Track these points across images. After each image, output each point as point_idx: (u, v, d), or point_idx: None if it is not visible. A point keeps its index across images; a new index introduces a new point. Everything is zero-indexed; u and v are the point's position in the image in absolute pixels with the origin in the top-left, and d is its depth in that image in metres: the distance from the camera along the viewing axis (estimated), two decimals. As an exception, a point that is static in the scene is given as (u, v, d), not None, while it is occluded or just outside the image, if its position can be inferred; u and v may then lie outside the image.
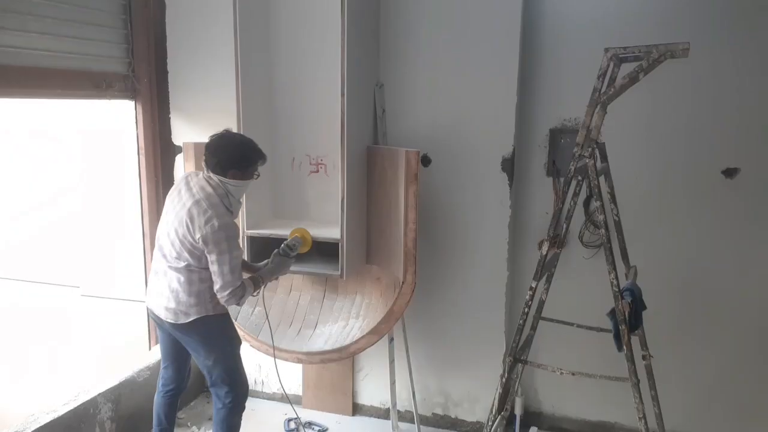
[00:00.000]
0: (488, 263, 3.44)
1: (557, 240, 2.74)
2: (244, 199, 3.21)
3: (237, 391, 2.93)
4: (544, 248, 2.51)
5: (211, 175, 2.71)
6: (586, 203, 3.31)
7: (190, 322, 2.76)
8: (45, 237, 4.34)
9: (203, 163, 2.75)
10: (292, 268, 3.14)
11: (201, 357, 2.89)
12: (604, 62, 2.42)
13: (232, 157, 2.70)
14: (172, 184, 3.88)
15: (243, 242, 3.32)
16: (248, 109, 3.26)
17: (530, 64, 3.36)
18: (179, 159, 3.86)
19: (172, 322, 2.78)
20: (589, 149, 2.33)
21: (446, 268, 3.54)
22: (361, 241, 3.40)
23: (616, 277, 2.34)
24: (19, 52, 2.93)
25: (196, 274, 2.71)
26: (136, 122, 3.72)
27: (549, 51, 3.34)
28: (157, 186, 3.82)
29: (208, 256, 2.64)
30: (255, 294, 2.85)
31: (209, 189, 2.68)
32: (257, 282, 2.84)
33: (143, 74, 3.68)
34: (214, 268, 2.64)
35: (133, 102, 3.69)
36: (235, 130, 3.00)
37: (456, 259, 3.51)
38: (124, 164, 3.80)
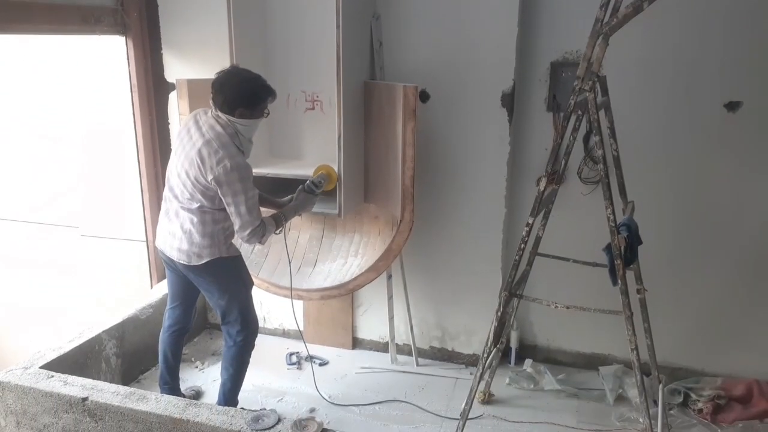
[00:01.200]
0: (486, 200, 3.44)
1: (555, 176, 2.73)
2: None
3: (248, 329, 2.98)
4: (542, 184, 2.50)
5: (219, 113, 2.64)
6: (586, 138, 3.27)
7: (203, 263, 2.76)
8: (41, 176, 4.31)
9: (210, 101, 2.68)
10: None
11: (215, 297, 2.92)
12: (607, -9, 2.33)
13: (240, 95, 2.61)
14: (167, 121, 3.87)
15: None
16: (241, 44, 3.18)
17: (531, -7, 3.25)
18: (173, 96, 3.79)
19: (185, 263, 2.78)
20: (590, 82, 2.27)
21: (444, 205, 3.54)
22: (359, 179, 3.39)
23: (613, 212, 2.34)
24: (2, -16, 2.82)
25: (209, 215, 2.70)
26: (128, 59, 3.63)
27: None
28: (151, 124, 3.77)
29: (222, 197, 2.61)
30: (277, 232, 2.84)
31: (218, 128, 2.62)
32: (279, 219, 2.82)
33: (132, 8, 3.55)
34: (231, 209, 2.62)
35: (123, 38, 3.59)
36: (230, 65, 2.91)
37: (454, 196, 3.50)
38: (118, 101, 3.73)
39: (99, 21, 3.36)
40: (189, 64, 3.70)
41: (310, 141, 3.55)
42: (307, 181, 3.02)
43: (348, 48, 3.00)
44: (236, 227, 2.67)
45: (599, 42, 2.34)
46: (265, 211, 2.89)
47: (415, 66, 3.36)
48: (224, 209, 2.67)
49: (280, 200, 3.08)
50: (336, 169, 3.14)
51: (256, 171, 3.27)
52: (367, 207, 3.52)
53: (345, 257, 3.56)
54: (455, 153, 3.43)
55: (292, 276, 3.25)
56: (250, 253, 3.60)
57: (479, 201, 3.46)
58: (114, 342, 3.40)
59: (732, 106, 3.07)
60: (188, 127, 2.71)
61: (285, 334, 4.13)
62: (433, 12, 3.25)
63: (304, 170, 3.27)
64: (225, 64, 3.06)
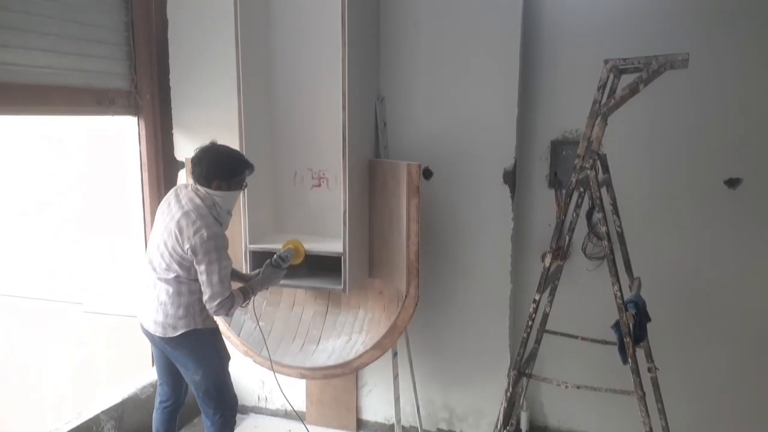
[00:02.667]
0: (491, 275, 3.42)
1: (560, 252, 2.73)
2: (244, 211, 3.23)
3: (225, 406, 2.90)
4: (547, 261, 2.50)
5: (198, 186, 2.72)
6: (589, 215, 3.29)
7: (178, 335, 2.74)
8: (45, 252, 4.33)
9: (189, 175, 2.76)
10: (297, 282, 3.13)
11: (189, 372, 2.86)
12: (604, 74, 2.43)
13: (215, 168, 2.70)
14: (175, 199, 3.92)
15: (245, 257, 3.32)
16: (250, 124, 3.27)
17: (530, 75, 3.37)
18: (182, 174, 3.87)
19: (160, 335, 2.76)
20: (590, 161, 2.32)
21: (449, 280, 3.52)
22: (364, 254, 3.39)
23: (620, 289, 2.32)
24: (22, 69, 2.95)
25: (185, 285, 2.70)
26: (139, 138, 3.74)
27: (549, 63, 3.35)
28: (159, 200, 3.81)
29: (197, 266, 2.63)
30: (244, 305, 2.83)
31: (197, 200, 2.68)
32: (247, 292, 2.83)
33: (146, 90, 3.70)
34: (203, 278, 2.63)
35: (136, 118, 3.71)
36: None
37: (459, 271, 3.49)
38: (126, 179, 3.81)
39: (113, 102, 3.49)
40: (198, 144, 3.77)
41: (316, 217, 3.58)
42: (275, 256, 3.04)
43: (353, 128, 3.09)
44: (205, 297, 2.66)
45: (598, 122, 2.42)
46: (233, 284, 2.89)
47: (419, 145, 3.44)
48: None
49: (248, 274, 3.12)
50: (341, 244, 3.15)
51: (261, 246, 3.32)
52: (371, 282, 3.50)
53: (349, 334, 3.51)
54: (460, 229, 3.45)
55: (276, 350, 3.24)
56: (253, 329, 3.55)
57: (485, 277, 3.44)
58: (113, 423, 3.31)
59: (732, 183, 3.12)
60: (169, 201, 2.78)
61: (287, 415, 4.01)
62: (435, 94, 3.37)
63: (309, 245, 3.28)
64: (234, 144, 3.17)
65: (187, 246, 2.60)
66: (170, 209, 2.73)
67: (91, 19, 3.33)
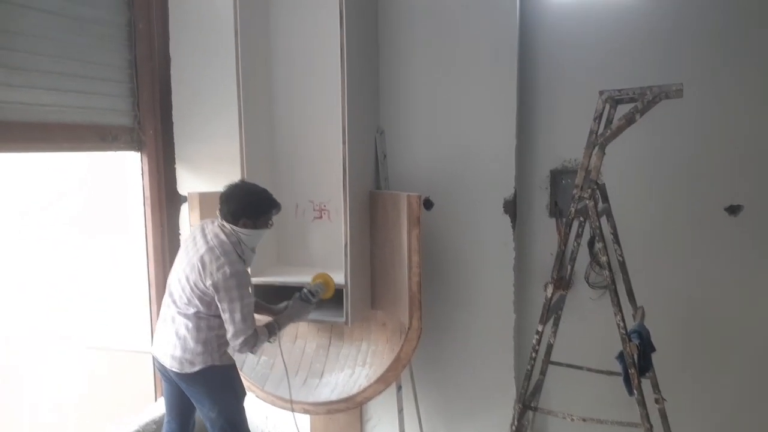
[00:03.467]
0: (495, 306, 3.40)
1: (562, 282, 2.72)
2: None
3: None
4: (549, 291, 2.48)
5: (224, 223, 2.73)
6: (590, 244, 3.28)
7: (195, 372, 2.72)
8: (47, 289, 4.33)
9: (217, 212, 2.77)
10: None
11: (205, 408, 2.83)
12: (599, 104, 2.45)
13: (243, 207, 2.72)
14: (177, 233, 3.94)
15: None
16: (251, 157, 3.30)
17: (528, 106, 3.40)
18: (184, 208, 3.88)
19: (177, 371, 2.74)
20: (589, 190, 2.32)
21: (452, 311, 3.50)
22: (366, 286, 3.38)
23: (623, 319, 2.30)
24: (26, 107, 2.99)
25: (204, 321, 2.69)
26: (142, 173, 3.77)
27: (546, 93, 3.38)
28: (162, 235, 3.84)
29: (219, 303, 2.63)
30: (271, 340, 2.81)
31: (222, 236, 2.70)
32: (272, 328, 2.81)
33: (149, 126, 3.74)
34: (225, 315, 2.62)
35: (139, 153, 3.75)
36: (239, 179, 3.02)
37: (462, 302, 3.47)
38: (128, 213, 3.83)
39: (116, 139, 3.53)
40: (201, 178, 3.83)
41: (318, 249, 3.59)
42: (304, 289, 3.02)
43: (353, 161, 3.11)
44: (229, 335, 2.65)
45: (596, 152, 2.43)
46: (259, 318, 2.88)
47: (419, 176, 3.46)
48: (220, 316, 2.68)
49: (276, 307, 3.08)
50: (343, 276, 3.15)
51: (264, 279, 3.31)
52: (374, 314, 3.48)
53: (353, 367, 3.47)
54: (462, 259, 3.44)
55: (279, 385, 3.19)
56: (256, 364, 3.52)
57: (488, 307, 3.42)
58: (113, 462, 3.26)
59: (733, 210, 3.11)
60: (194, 236, 2.78)
61: (291, 450, 3.95)
62: (435, 125, 3.40)
63: (310, 278, 3.27)
64: (236, 177, 3.18)
65: (209, 282, 2.60)
66: (195, 244, 2.74)
67: (95, 58, 3.39)
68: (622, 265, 2.71)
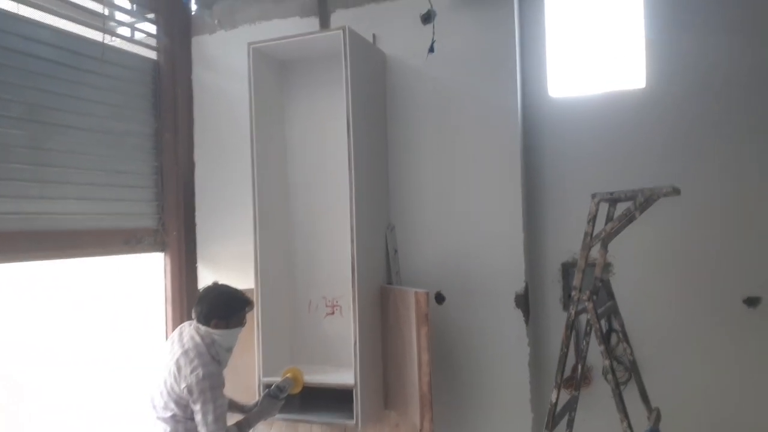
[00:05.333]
0: (510, 405, 3.30)
1: (573, 382, 2.65)
2: (258, 342, 3.27)
3: None
4: (553, 396, 2.42)
5: (199, 325, 2.80)
6: (606, 338, 3.20)
7: None
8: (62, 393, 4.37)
9: (192, 314, 2.85)
10: (306, 417, 3.09)
11: None
12: (593, 207, 2.47)
13: (213, 307, 2.78)
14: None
15: (259, 389, 3.32)
16: (265, 254, 3.40)
17: (536, 200, 3.44)
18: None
19: None
20: (587, 292, 2.31)
21: (466, 411, 3.41)
22: (378, 385, 3.35)
23: (629, 426, 2.21)
24: (57, 217, 3.21)
25: (181, 424, 2.71)
26: (165, 273, 3.92)
27: (553, 187, 3.42)
28: (183, 333, 3.92)
29: (192, 405, 2.65)
30: None
31: (197, 338, 2.76)
32: (243, 428, 2.81)
33: (172, 227, 3.92)
34: (198, 417, 2.64)
35: (162, 254, 3.91)
36: (212, 281, 3.05)
37: (476, 401, 3.39)
38: (147, 312, 3.94)
39: (140, 241, 3.71)
40: (221, 276, 3.92)
41: (331, 345, 3.59)
42: (273, 386, 3.02)
43: (363, 258, 3.18)
44: None
45: (599, 249, 2.43)
46: (232, 416, 2.86)
47: (430, 269, 3.49)
48: None
49: (247, 405, 3.08)
50: (354, 375, 3.13)
51: (276, 379, 3.31)
52: (387, 414, 3.41)
53: (367, 470, 3.38)
54: (475, 356, 3.39)
55: None
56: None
57: (503, 407, 3.32)
58: None
59: (752, 302, 3.01)
60: (173, 339, 2.85)
61: None
62: (443, 221, 3.46)
63: (322, 375, 3.27)
64: (251, 275, 3.29)
65: (183, 385, 2.65)
66: (173, 348, 2.81)
67: (123, 167, 3.64)
68: (633, 364, 2.63)
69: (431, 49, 3.20)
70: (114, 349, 4.23)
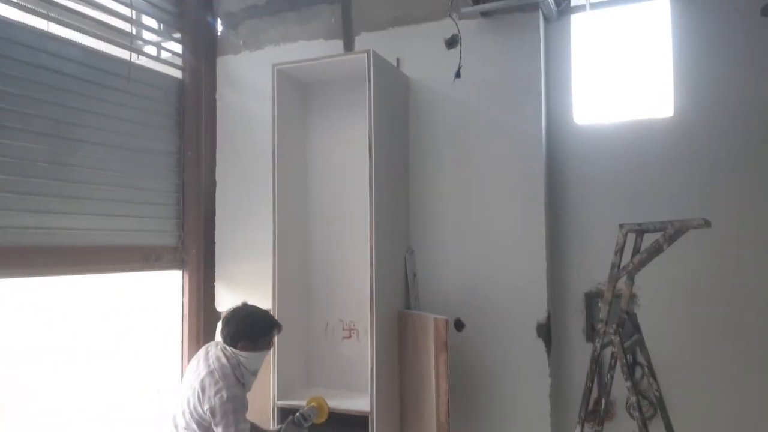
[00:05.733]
0: (530, 437, 3.22)
1: (596, 417, 2.56)
2: (274, 365, 3.23)
3: None
4: (577, 431, 2.34)
5: (225, 346, 2.77)
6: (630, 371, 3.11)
7: None
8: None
9: (219, 334, 2.82)
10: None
11: None
12: (620, 238, 2.41)
13: (241, 329, 2.76)
14: (212, 351, 3.98)
15: (273, 414, 3.27)
16: (283, 276, 3.38)
17: (560, 228, 3.37)
18: (220, 325, 3.95)
19: None
20: (614, 326, 2.24)
21: (485, 442, 3.32)
22: (394, 412, 3.28)
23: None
24: (77, 233, 3.21)
25: None
26: (182, 290, 3.91)
27: (577, 216, 3.35)
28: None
29: (214, 428, 2.61)
30: None
31: (224, 359, 2.72)
32: None
33: (192, 245, 3.92)
34: None
35: (181, 272, 3.90)
36: (241, 301, 3.02)
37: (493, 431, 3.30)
38: (164, 329, 3.92)
39: (159, 258, 3.71)
40: (239, 296, 3.88)
41: (347, 370, 3.53)
42: (297, 413, 2.96)
43: (381, 281, 3.13)
44: None
45: (625, 282, 2.37)
46: None
47: (449, 295, 3.43)
48: None
49: (268, 430, 3.04)
50: (370, 402, 3.07)
51: (291, 402, 3.26)
52: (403, 443, 3.34)
53: (381, 500, 3.29)
54: (494, 385, 3.31)
55: None
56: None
57: (523, 438, 3.24)
58: None
59: (785, 337, 2.91)
60: (198, 358, 2.82)
61: None
62: (464, 246, 3.41)
63: (337, 401, 3.21)
64: (269, 295, 3.26)
65: (206, 407, 2.61)
66: (198, 367, 2.78)
67: (145, 184, 3.65)
68: (660, 400, 2.54)
69: (457, 74, 3.18)
70: (128, 365, 4.20)
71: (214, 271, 4.04)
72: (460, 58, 3.18)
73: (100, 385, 4.33)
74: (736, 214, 2.98)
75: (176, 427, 2.75)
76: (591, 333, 3.27)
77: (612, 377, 2.51)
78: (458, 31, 3.20)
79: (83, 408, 4.37)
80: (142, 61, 3.75)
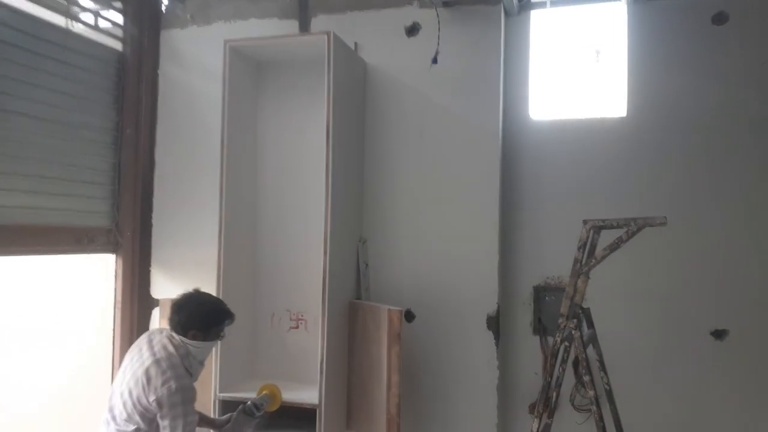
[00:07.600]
0: (478, 429, 3.23)
1: (547, 410, 2.60)
2: (216, 355, 3.09)
3: None
4: (534, 425, 2.36)
5: (173, 334, 2.60)
6: (575, 364, 3.18)
7: None
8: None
9: (167, 321, 2.65)
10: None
11: None
12: (584, 234, 2.44)
13: (194, 318, 2.59)
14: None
15: (214, 406, 3.13)
16: (229, 263, 3.23)
17: (512, 222, 3.41)
18: (155, 312, 3.75)
19: None
20: (575, 321, 2.27)
21: (432, 433, 3.32)
22: (341, 404, 3.21)
23: (610, 460, 2.17)
24: (2, 210, 2.94)
25: None
26: (116, 275, 3.67)
27: (530, 210, 3.40)
28: (131, 340, 3.67)
29: (160, 420, 2.44)
30: None
31: (171, 348, 2.55)
32: None
33: (127, 228, 3.69)
34: None
35: (114, 255, 3.66)
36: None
37: (443, 424, 3.30)
38: (94, 315, 3.68)
39: (92, 241, 3.46)
40: (176, 282, 3.72)
41: (294, 361, 3.43)
42: (248, 402, 2.85)
43: (334, 271, 3.05)
44: None
45: (581, 278, 2.40)
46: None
47: (401, 286, 3.40)
48: None
49: (219, 419, 2.92)
50: (317, 393, 2.99)
51: (233, 395, 3.14)
52: (349, 435, 3.29)
53: (324, 494, 3.22)
54: (443, 377, 3.31)
55: None
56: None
57: (470, 430, 3.25)
58: None
59: (719, 334, 3.06)
60: (140, 346, 2.63)
61: None
62: (417, 237, 3.38)
63: (283, 393, 3.10)
64: (213, 283, 3.11)
65: (152, 398, 2.43)
66: (141, 355, 2.58)
67: (79, 161, 3.39)
68: (609, 393, 2.61)
69: (434, 60, 3.14)
70: (57, 350, 3.92)
71: (150, 256, 3.81)
72: (438, 44, 3.16)
73: (26, 374, 4.03)
74: (684, 213, 3.11)
75: (114, 419, 2.55)
76: (538, 326, 3.32)
77: (563, 371, 2.55)
78: (419, 22, 3.16)
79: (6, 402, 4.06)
80: (80, 29, 3.46)
